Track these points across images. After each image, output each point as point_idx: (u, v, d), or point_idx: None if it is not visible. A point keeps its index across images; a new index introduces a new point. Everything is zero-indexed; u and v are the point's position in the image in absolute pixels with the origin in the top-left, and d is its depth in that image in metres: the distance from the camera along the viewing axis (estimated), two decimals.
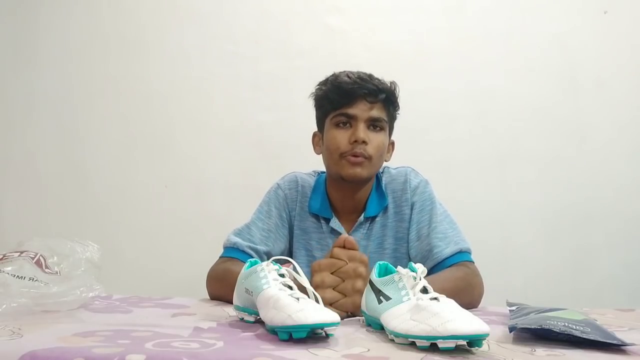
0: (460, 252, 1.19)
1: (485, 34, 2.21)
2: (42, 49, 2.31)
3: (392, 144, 1.33)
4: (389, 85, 1.25)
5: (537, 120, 2.18)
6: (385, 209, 1.29)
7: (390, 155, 1.33)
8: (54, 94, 2.29)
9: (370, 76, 1.24)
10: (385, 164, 1.32)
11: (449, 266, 1.17)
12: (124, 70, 2.29)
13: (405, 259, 1.26)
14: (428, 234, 1.23)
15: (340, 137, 1.22)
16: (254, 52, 2.25)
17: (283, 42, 2.25)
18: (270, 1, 2.28)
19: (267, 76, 2.23)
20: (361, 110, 1.21)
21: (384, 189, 1.31)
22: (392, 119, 1.28)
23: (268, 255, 1.25)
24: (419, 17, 2.24)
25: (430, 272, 1.16)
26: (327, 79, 1.28)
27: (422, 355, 0.67)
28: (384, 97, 1.22)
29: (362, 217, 1.28)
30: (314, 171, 1.39)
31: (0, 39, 2.32)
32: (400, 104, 1.28)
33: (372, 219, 1.29)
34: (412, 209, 1.27)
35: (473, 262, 1.20)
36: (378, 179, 1.32)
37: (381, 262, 0.88)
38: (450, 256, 1.18)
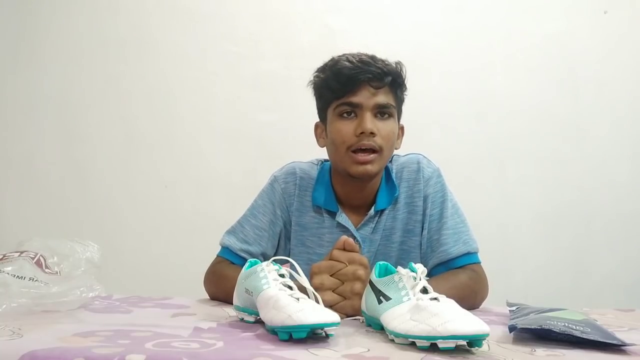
0: (468, 253, 1.14)
1: (485, 34, 2.22)
2: (42, 49, 2.31)
3: (401, 128, 1.22)
4: (394, 66, 1.15)
5: (537, 120, 2.19)
6: (395, 199, 1.21)
7: (400, 142, 1.22)
8: (54, 94, 2.29)
9: (373, 58, 1.14)
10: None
11: (455, 267, 1.13)
12: (124, 70, 2.29)
13: (413, 253, 1.20)
14: (438, 228, 1.17)
15: (346, 130, 1.12)
16: (254, 52, 2.25)
17: (283, 42, 2.25)
18: (270, 1, 2.28)
19: (267, 76, 2.23)
20: (366, 97, 1.11)
21: (394, 178, 1.21)
22: (400, 102, 1.18)
23: (263, 256, 1.22)
24: (419, 17, 2.24)
25: (436, 269, 1.15)
26: (325, 65, 1.18)
27: (422, 355, 0.67)
28: (390, 80, 1.12)
29: (372, 211, 1.19)
30: (316, 159, 1.29)
31: (1, 39, 2.33)
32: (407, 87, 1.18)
33: (381, 211, 1.20)
34: (424, 202, 1.19)
35: (480, 263, 1.16)
36: (387, 168, 1.22)
37: (381, 263, 0.88)
38: (457, 257, 1.14)
